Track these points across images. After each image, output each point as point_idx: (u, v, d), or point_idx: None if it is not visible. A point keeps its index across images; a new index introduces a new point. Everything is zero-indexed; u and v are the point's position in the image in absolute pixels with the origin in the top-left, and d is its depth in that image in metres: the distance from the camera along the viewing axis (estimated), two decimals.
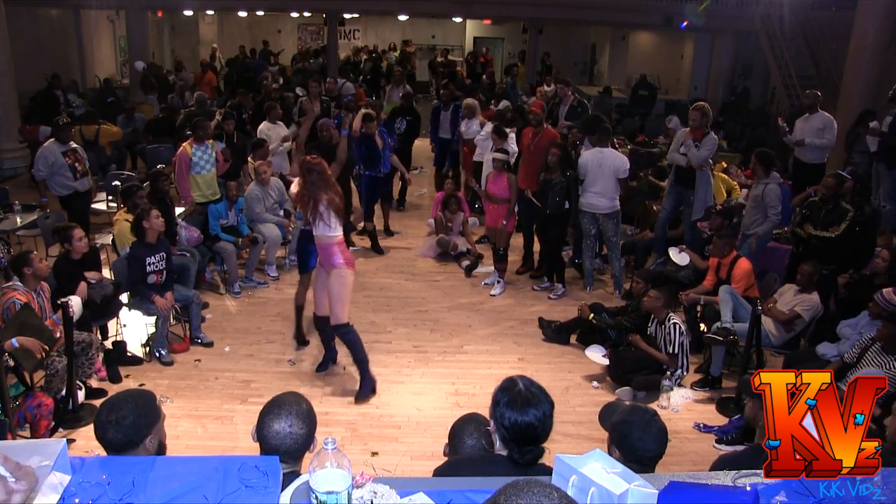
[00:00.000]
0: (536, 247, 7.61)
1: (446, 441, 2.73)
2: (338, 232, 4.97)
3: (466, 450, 2.56)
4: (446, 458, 2.61)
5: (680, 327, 5.23)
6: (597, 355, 5.64)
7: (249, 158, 8.09)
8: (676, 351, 5.22)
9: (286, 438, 2.11)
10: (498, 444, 2.25)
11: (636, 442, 2.33)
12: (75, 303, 4.81)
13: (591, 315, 5.96)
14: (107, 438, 2.15)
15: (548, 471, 2.16)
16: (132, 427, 2.16)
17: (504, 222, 6.95)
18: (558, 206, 6.73)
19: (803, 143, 7.98)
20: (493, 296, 7.05)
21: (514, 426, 2.15)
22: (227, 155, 7.53)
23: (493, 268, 7.31)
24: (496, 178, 6.95)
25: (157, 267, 5.53)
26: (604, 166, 6.76)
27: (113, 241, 6.57)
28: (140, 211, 5.61)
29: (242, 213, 7.12)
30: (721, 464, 3.34)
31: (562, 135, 8.08)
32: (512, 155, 7.56)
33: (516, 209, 7.19)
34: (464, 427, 2.63)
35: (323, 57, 17.95)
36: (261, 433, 2.16)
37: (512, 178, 6.94)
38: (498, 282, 7.14)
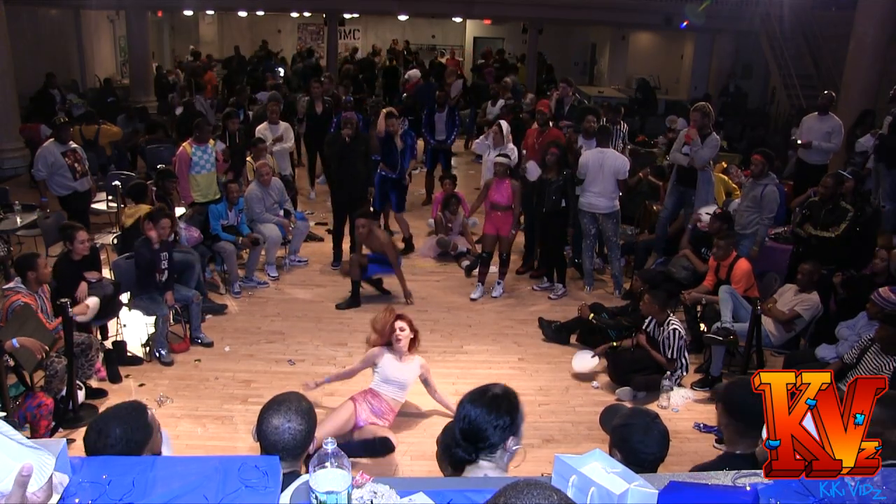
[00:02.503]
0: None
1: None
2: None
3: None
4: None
5: (678, 332, 5.23)
6: (584, 361, 5.56)
7: (249, 158, 8.10)
8: (675, 356, 5.23)
9: (284, 434, 2.10)
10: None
11: (637, 444, 2.33)
12: (92, 302, 4.90)
13: (591, 315, 5.96)
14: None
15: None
16: (121, 453, 2.12)
17: (513, 231, 6.90)
18: (555, 204, 6.72)
19: (810, 146, 7.99)
20: (494, 297, 7.05)
21: (463, 418, 2.12)
22: (226, 155, 7.55)
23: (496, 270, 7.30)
24: (498, 185, 6.81)
25: (160, 265, 5.54)
26: (604, 166, 6.76)
27: (113, 241, 6.58)
28: (150, 213, 5.62)
29: (243, 214, 7.11)
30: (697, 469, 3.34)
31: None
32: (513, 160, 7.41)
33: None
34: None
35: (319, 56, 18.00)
36: (260, 429, 2.14)
37: (515, 185, 6.82)
38: (498, 283, 7.14)
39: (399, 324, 4.64)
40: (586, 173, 6.83)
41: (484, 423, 2.09)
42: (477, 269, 7.30)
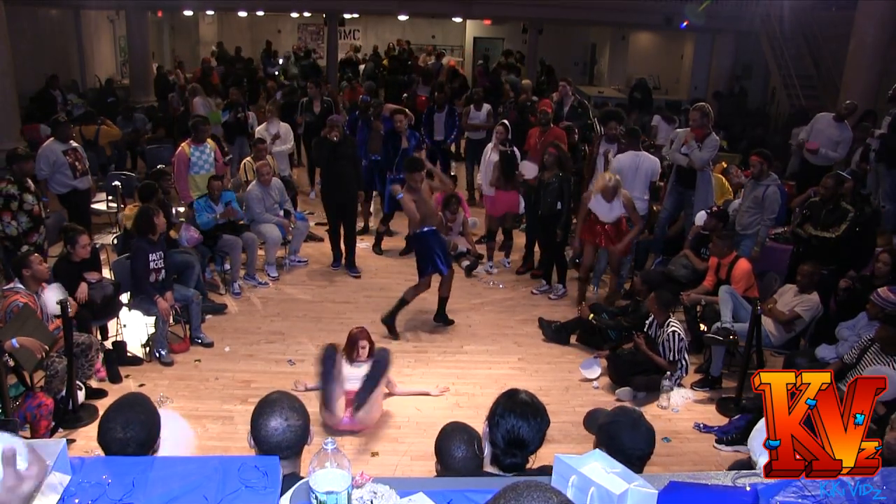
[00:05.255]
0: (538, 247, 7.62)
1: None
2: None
3: (457, 464, 2.51)
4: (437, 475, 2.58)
5: (679, 335, 5.23)
6: (591, 369, 5.59)
7: (248, 158, 8.11)
8: (675, 358, 5.23)
9: (286, 432, 2.10)
10: (487, 449, 2.23)
11: (626, 440, 2.32)
12: (58, 294, 4.78)
13: (591, 315, 5.96)
14: (126, 454, 2.12)
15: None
16: (148, 435, 2.16)
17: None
18: (550, 206, 6.71)
19: (817, 152, 8.00)
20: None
21: (511, 430, 2.16)
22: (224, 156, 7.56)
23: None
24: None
25: (156, 265, 5.55)
26: (640, 169, 6.79)
27: (113, 241, 6.58)
28: (148, 207, 5.63)
29: (232, 204, 7.02)
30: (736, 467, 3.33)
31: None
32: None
33: (523, 208, 7.58)
34: (449, 442, 2.58)
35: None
36: (258, 435, 2.13)
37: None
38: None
39: (361, 342, 4.93)
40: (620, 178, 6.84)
41: (528, 431, 2.18)
42: (476, 269, 7.63)
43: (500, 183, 7.44)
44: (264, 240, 7.15)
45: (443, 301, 6.32)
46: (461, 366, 5.69)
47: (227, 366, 5.56)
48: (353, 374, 4.81)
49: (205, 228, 6.71)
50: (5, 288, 4.75)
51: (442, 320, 6.35)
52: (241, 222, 7.08)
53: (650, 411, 5.10)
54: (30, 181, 6.16)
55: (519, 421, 2.17)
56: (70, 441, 4.36)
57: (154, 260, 5.53)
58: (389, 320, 6.10)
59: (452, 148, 10.75)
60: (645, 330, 5.46)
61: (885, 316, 4.56)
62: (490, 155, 7.98)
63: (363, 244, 8.10)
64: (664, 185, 7.86)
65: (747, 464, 3.25)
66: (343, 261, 7.54)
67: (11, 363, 4.28)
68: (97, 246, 6.12)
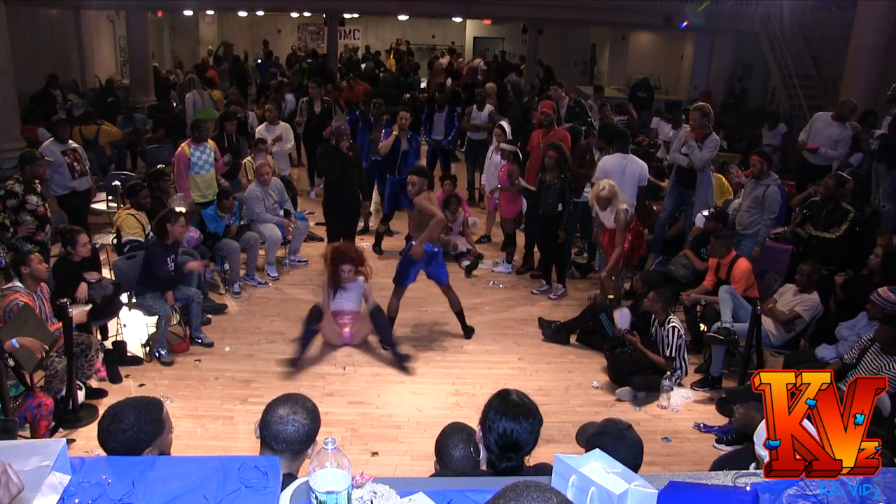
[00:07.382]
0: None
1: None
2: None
3: (455, 463, 2.52)
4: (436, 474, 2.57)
5: (678, 331, 5.23)
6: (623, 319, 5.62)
7: (249, 158, 8.10)
8: (673, 354, 5.22)
9: (288, 424, 2.11)
10: (482, 452, 2.23)
11: (610, 451, 2.32)
12: (76, 311, 4.84)
13: (610, 297, 6.03)
14: (107, 446, 2.21)
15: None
16: (131, 439, 2.19)
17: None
18: (551, 207, 6.72)
19: (817, 152, 8.01)
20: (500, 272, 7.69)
21: (503, 433, 2.14)
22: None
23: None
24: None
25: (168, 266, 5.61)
26: (627, 172, 6.77)
27: (113, 241, 6.58)
28: (168, 213, 5.65)
29: (236, 218, 7.09)
30: (719, 464, 3.34)
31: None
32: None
33: (524, 209, 7.65)
34: (448, 440, 2.59)
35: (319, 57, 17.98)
36: (264, 419, 2.15)
37: (511, 168, 7.60)
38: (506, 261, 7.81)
39: (344, 267, 5.51)
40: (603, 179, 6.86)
41: (522, 434, 2.15)
42: (476, 269, 7.69)
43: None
44: (264, 240, 7.14)
45: (459, 315, 6.17)
46: (461, 366, 5.69)
47: (227, 366, 5.56)
48: (344, 298, 5.64)
49: (214, 231, 6.78)
50: (4, 287, 4.75)
51: (469, 334, 6.20)
52: (242, 223, 7.10)
53: (650, 411, 5.11)
54: (37, 183, 6.14)
55: (511, 423, 2.13)
56: (70, 441, 4.36)
57: (168, 263, 5.57)
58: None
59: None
60: (650, 328, 5.46)
61: (884, 316, 4.56)
62: (493, 157, 8.03)
63: (363, 244, 8.09)
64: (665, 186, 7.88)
65: (735, 460, 3.24)
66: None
67: (11, 363, 4.28)
68: (97, 246, 6.12)
